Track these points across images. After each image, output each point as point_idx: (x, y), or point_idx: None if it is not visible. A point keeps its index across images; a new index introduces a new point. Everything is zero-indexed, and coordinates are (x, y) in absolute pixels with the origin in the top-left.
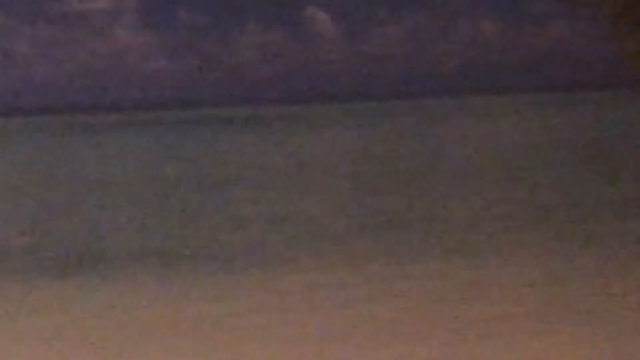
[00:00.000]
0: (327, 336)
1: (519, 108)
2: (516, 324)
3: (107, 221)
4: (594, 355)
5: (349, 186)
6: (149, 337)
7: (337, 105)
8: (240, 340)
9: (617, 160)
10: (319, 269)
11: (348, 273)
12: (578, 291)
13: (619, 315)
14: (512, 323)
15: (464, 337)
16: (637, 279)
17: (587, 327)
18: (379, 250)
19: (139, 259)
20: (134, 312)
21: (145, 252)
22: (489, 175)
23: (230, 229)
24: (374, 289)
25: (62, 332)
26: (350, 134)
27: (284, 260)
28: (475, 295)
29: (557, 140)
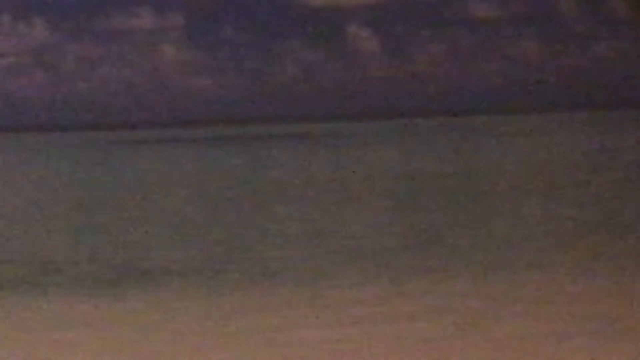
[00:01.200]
0: (367, 352)
1: (560, 126)
2: (558, 342)
3: (149, 237)
4: None
5: (391, 203)
6: (191, 353)
7: (380, 123)
8: (281, 355)
9: None
10: (361, 284)
11: (389, 289)
12: (621, 308)
13: None
14: (553, 341)
15: (505, 355)
16: None
17: (631, 345)
18: (421, 267)
19: (181, 275)
20: (175, 328)
21: (187, 267)
22: (530, 192)
23: (273, 245)
24: (414, 305)
25: (103, 348)
26: (393, 151)
27: (325, 276)
28: (516, 313)
29: (599, 158)
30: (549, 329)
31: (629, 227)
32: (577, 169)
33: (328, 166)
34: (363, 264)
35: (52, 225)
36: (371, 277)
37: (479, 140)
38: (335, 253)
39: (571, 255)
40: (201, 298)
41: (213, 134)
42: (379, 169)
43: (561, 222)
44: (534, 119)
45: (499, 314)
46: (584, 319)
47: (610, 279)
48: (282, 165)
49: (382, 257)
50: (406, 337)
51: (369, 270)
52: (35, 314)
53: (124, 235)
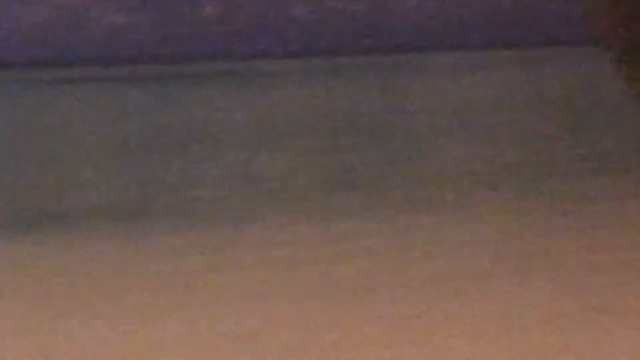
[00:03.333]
0: (289, 294)
1: (485, 64)
2: (480, 282)
3: (66, 178)
4: (559, 310)
5: (314, 143)
6: (108, 296)
7: (300, 61)
8: (201, 297)
9: (584, 117)
10: (282, 226)
11: (312, 230)
12: (546, 247)
13: (582, 272)
14: (476, 280)
15: (430, 295)
16: (598, 236)
17: (554, 282)
18: (344, 208)
19: (100, 217)
20: (93, 270)
21: (105, 209)
22: (456, 132)
23: (193, 186)
24: (337, 246)
25: (19, 291)
26: (314, 91)
27: (246, 217)
28: (440, 253)
29: (525, 97)
30: (473, 269)
31: (553, 166)
32: (502, 108)
33: (248, 106)
34: (285, 205)
35: None
36: (293, 218)
37: (402, 79)
38: (256, 194)
39: (495, 194)
40: (120, 241)
41: (129, 73)
42: (301, 108)
43: (485, 162)
44: (458, 57)
45: (422, 254)
46: (507, 258)
47: (534, 217)
48: (200, 104)
49: (305, 198)
50: (325, 280)
51: (290, 212)
52: None
53: (40, 178)
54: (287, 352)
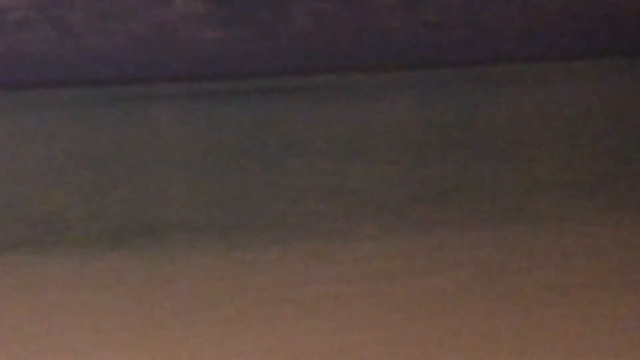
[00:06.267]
0: (386, 307)
1: (578, 74)
2: (577, 293)
3: (163, 193)
4: None
5: (406, 155)
6: (207, 309)
7: (392, 74)
8: (299, 310)
9: None
10: (377, 239)
11: (406, 243)
12: (638, 259)
13: None
14: (572, 292)
15: (525, 307)
16: None
17: None
18: (438, 220)
19: (193, 231)
20: (191, 284)
21: (201, 223)
22: (547, 142)
23: (288, 200)
24: (432, 258)
25: (119, 304)
26: (407, 102)
27: (341, 230)
28: (535, 264)
29: (617, 107)
30: (567, 281)
31: None
32: (595, 117)
33: (340, 119)
34: (378, 218)
35: (62, 182)
36: (386, 231)
37: (494, 90)
38: (349, 207)
39: (589, 206)
40: (212, 254)
41: (223, 87)
42: (393, 120)
43: (578, 173)
44: (550, 68)
45: (516, 266)
46: (603, 270)
47: (630, 229)
48: (294, 118)
49: (397, 210)
50: (422, 292)
51: (383, 224)
52: (40, 273)
53: (135, 192)
54: None
